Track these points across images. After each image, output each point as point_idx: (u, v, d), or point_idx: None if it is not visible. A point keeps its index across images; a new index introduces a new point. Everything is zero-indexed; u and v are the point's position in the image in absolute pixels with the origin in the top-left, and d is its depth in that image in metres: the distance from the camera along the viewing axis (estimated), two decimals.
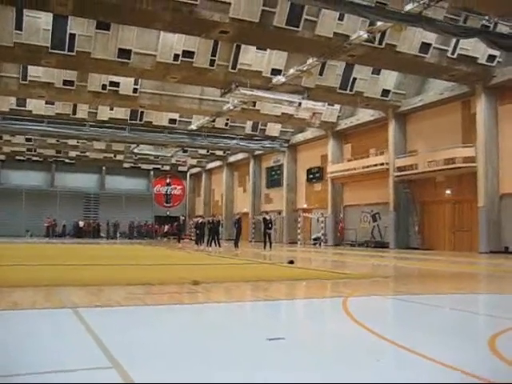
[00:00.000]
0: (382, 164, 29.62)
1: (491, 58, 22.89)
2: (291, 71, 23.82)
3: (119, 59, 22.04)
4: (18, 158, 48.08)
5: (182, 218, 27.30)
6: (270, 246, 23.94)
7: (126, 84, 27.34)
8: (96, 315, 5.65)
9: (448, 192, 26.81)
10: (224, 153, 47.64)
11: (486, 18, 18.90)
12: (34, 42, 20.71)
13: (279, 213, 40.47)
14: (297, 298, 8.22)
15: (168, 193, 58.00)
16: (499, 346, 4.20)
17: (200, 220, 28.04)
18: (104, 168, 54.06)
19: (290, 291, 9.04)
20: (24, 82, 25.50)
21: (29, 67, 24.97)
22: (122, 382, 3.14)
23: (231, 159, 48.68)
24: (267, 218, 25.38)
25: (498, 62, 23.11)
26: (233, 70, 23.75)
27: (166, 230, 51.98)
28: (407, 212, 28.92)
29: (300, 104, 25.88)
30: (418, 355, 3.92)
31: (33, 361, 3.66)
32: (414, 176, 27.81)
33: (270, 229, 25.58)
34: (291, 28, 19.32)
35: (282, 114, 31.64)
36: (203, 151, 46.49)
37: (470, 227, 25.33)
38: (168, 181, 58.00)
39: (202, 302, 7.15)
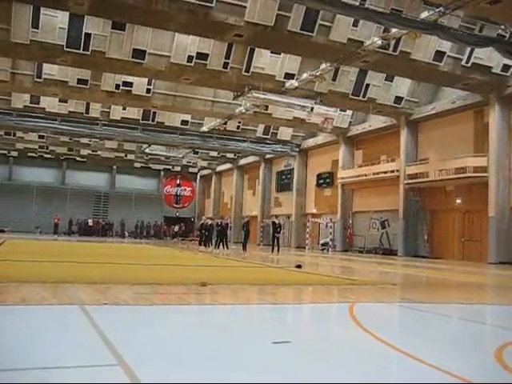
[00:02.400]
0: (393, 171, 29.52)
1: (506, 67, 22.77)
2: (304, 76, 23.83)
3: (133, 59, 22.18)
4: (30, 154, 48.40)
5: (208, 221, 26.92)
6: (278, 250, 23.97)
7: (140, 84, 27.49)
8: (103, 313, 5.68)
9: (458, 201, 26.67)
10: (235, 155, 47.70)
11: (502, 27, 18.84)
12: (49, 40, 20.90)
13: (288, 217, 40.44)
14: (303, 303, 8.21)
15: (178, 194, 58.12)
16: (506, 358, 4.18)
17: (209, 222, 28.07)
18: (115, 167, 54.28)
19: (297, 295, 9.03)
20: (38, 80, 25.71)
21: (43, 65, 25.16)
22: (127, 379, 3.15)
23: (242, 162, 48.71)
24: (276, 221, 25.51)
25: None
26: (246, 73, 23.80)
27: (176, 230, 52.07)
28: (416, 220, 28.79)
29: (312, 109, 25.88)
30: (424, 364, 3.90)
31: (39, 356, 3.68)
32: (424, 184, 27.70)
33: (279, 233, 25.69)
34: (305, 33, 19.34)
35: (294, 118, 31.66)
36: (214, 153, 46.58)
37: (479, 237, 25.17)
38: (178, 182, 58.14)
39: (208, 304, 7.16)
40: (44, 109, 32.15)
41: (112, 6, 17.66)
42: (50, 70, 25.45)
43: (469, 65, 22.27)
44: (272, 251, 24.20)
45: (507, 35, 19.31)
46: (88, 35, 21.33)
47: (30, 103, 31.56)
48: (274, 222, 25.52)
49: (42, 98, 31.10)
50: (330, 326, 6.20)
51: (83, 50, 21.39)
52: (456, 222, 26.95)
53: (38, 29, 20.51)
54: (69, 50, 21.26)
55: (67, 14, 20.31)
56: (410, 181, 28.14)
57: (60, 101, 31.55)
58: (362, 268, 17.48)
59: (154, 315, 5.95)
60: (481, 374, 3.76)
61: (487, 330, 6.27)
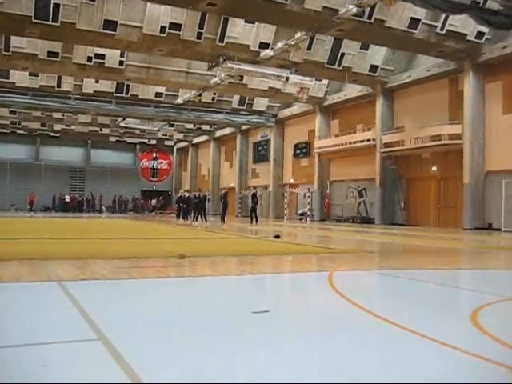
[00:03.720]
0: (369, 140, 29.66)
1: (480, 34, 22.82)
2: (279, 45, 23.59)
3: (105, 31, 21.70)
4: (1, 130, 47.40)
5: (185, 194, 26.77)
6: (256, 221, 24.07)
7: (112, 56, 26.95)
8: (82, 288, 5.65)
9: (434, 169, 26.98)
10: (211, 127, 47.41)
11: None
12: (16, 11, 20.24)
13: (266, 188, 40.54)
14: (282, 272, 8.27)
15: (155, 167, 57.77)
16: (481, 320, 4.27)
17: (186, 194, 27.98)
18: (89, 142, 53.58)
19: (276, 265, 9.09)
20: (7, 53, 25.02)
21: (12, 38, 24.47)
22: (107, 354, 3.15)
23: (218, 134, 48.46)
24: (257, 193, 25.71)
25: (487, 39, 23.04)
26: (220, 44, 23.48)
27: (153, 204, 51.87)
28: (393, 188, 29.10)
29: (288, 78, 25.74)
30: (403, 328, 3.97)
31: (18, 334, 3.65)
32: (400, 152, 27.92)
33: (257, 204, 25.82)
34: (280, 1, 19.07)
35: (270, 88, 31.47)
36: (190, 125, 46.26)
37: (455, 204, 25.57)
38: (154, 155, 57.72)
39: (187, 276, 7.17)
40: (14, 83, 31.38)
41: None
42: (19, 42, 24.78)
43: (443, 32, 22.27)
44: (251, 222, 24.29)
45: (481, 2, 19.30)
46: (57, 6, 20.68)
47: None
48: (254, 194, 25.59)
49: (11, 72, 30.33)
50: (308, 295, 6.26)
51: (52, 22, 20.78)
52: (432, 189, 27.31)
53: None
54: (37, 21, 20.63)
55: None
56: (386, 149, 28.33)
57: (30, 74, 30.81)
58: (340, 237, 17.66)
59: (133, 289, 5.94)
60: (457, 337, 3.84)
61: (463, 293, 6.40)
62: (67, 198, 49.14)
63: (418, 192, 28.25)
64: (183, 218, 27.54)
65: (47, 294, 5.39)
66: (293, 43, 23.18)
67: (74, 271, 6.91)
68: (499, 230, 22.49)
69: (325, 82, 32.65)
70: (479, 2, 19.34)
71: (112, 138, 52.69)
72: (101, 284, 6.05)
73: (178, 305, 5.03)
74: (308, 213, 34.81)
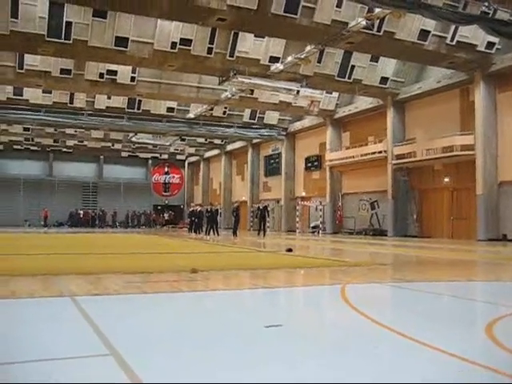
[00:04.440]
0: (381, 152, 29.58)
1: (490, 45, 22.77)
2: (289, 59, 23.69)
3: (116, 47, 21.93)
4: (15, 147, 47.89)
5: (197, 208, 27.17)
6: (264, 234, 24.42)
7: (124, 72, 27.22)
8: (94, 303, 5.66)
9: (446, 180, 26.81)
10: (222, 141, 47.55)
11: (486, 4, 18.76)
12: (30, 30, 20.56)
13: (278, 201, 40.49)
14: (295, 286, 8.24)
15: (166, 181, 57.95)
16: (496, 333, 4.22)
17: (198, 208, 28.04)
18: (102, 157, 53.90)
19: (288, 279, 9.06)
20: (21, 71, 25.37)
21: (25, 56, 24.83)
22: (119, 369, 3.14)
23: (229, 148, 48.58)
24: (261, 207, 26.83)
25: (497, 49, 22.99)
26: (231, 58, 23.63)
27: (165, 218, 51.94)
28: (405, 200, 28.94)
29: (298, 92, 25.82)
30: (416, 342, 3.92)
31: (30, 349, 3.66)
32: (412, 164, 27.79)
33: (267, 217, 26.92)
34: (289, 15, 19.18)
35: (280, 102, 31.56)
36: (201, 140, 46.41)
37: (468, 215, 25.36)
38: (166, 169, 57.92)
39: (200, 290, 7.15)
40: (28, 100, 31.76)
41: None
42: (33, 60, 25.13)
43: (453, 43, 22.25)
44: (258, 235, 24.70)
45: (491, 12, 19.26)
46: (69, 24, 21.00)
47: (13, 95, 31.16)
48: (259, 207, 26.51)
49: (25, 89, 30.74)
50: (321, 309, 6.22)
51: (65, 39, 21.09)
52: (444, 200, 27.12)
53: (17, 19, 20.17)
54: (50, 39, 20.95)
55: (47, 2, 20.01)
56: (398, 161, 28.22)
57: (44, 92, 31.16)
58: (353, 249, 17.57)
59: (145, 304, 5.94)
60: (471, 350, 3.79)
61: (477, 306, 6.32)
62: (81, 214, 49.44)
63: (430, 203, 28.07)
64: (195, 232, 27.58)
65: (60, 309, 5.40)
66: (303, 57, 23.28)
67: (86, 286, 6.92)
68: None
69: (335, 94, 32.70)
70: (489, 13, 19.30)
71: (124, 154, 53.00)
72: (113, 299, 6.06)
73: (190, 319, 5.01)
74: (320, 226, 34.71)
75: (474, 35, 22.19)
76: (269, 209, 28.90)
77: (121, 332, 4.24)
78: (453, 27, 21.60)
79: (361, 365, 3.41)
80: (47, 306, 5.57)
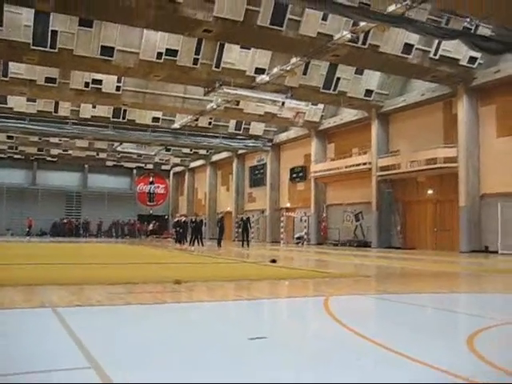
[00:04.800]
0: (365, 164, 29.79)
1: (472, 59, 23.15)
2: (275, 70, 23.82)
3: (102, 57, 21.88)
4: None
5: (182, 218, 27.32)
6: (248, 245, 24.65)
7: (109, 82, 27.16)
8: (76, 315, 5.60)
9: (430, 192, 27.06)
10: (207, 152, 47.58)
11: (468, 20, 19.10)
12: (15, 38, 20.45)
13: (262, 212, 40.51)
14: (279, 298, 8.23)
15: (151, 191, 57.76)
16: (477, 345, 4.25)
17: (183, 219, 27.95)
18: (86, 166, 53.63)
19: (272, 290, 9.05)
20: (5, 79, 25.18)
21: (10, 64, 24.66)
22: (100, 382, 3.11)
23: (214, 158, 48.60)
24: (244, 218, 27.24)
25: (479, 63, 23.36)
26: (216, 69, 23.70)
27: (150, 228, 51.68)
28: (389, 211, 29.12)
29: (283, 103, 25.95)
30: (398, 354, 3.94)
31: (11, 361, 3.61)
32: (396, 176, 28.03)
33: (251, 228, 27.50)
34: (275, 27, 19.32)
35: (266, 113, 31.68)
36: (186, 150, 46.41)
37: (451, 227, 25.59)
38: (151, 179, 57.75)
39: (184, 302, 7.12)
40: (12, 108, 31.54)
41: (78, 1, 17.35)
42: (17, 68, 24.97)
43: (437, 57, 22.56)
44: (242, 246, 24.84)
45: (473, 28, 19.60)
46: (55, 32, 20.93)
47: None
48: (242, 218, 26.97)
49: (9, 97, 30.52)
50: (305, 321, 6.22)
51: (50, 48, 21.01)
52: (428, 212, 27.35)
53: (1, 26, 20.06)
54: (35, 47, 20.86)
55: (32, 10, 19.91)
56: (382, 173, 28.44)
57: (28, 100, 30.99)
58: (337, 261, 17.61)
59: (128, 315, 5.90)
60: (454, 362, 3.82)
61: (460, 318, 6.37)
62: (65, 223, 49.02)
63: (414, 215, 28.28)
64: (180, 242, 27.48)
65: (41, 321, 5.34)
66: (288, 68, 23.42)
67: (68, 297, 6.85)
68: (496, 252, 22.47)
69: (320, 106, 32.93)
70: (471, 28, 19.64)
71: (109, 163, 52.78)
72: (96, 310, 6.00)
73: (174, 331, 4.98)
74: (305, 237, 34.77)
75: (457, 50, 22.53)
76: (252, 220, 29.18)
77: (103, 344, 4.20)
78: (436, 41, 21.93)
79: (344, 376, 3.42)
80: (28, 318, 5.51)
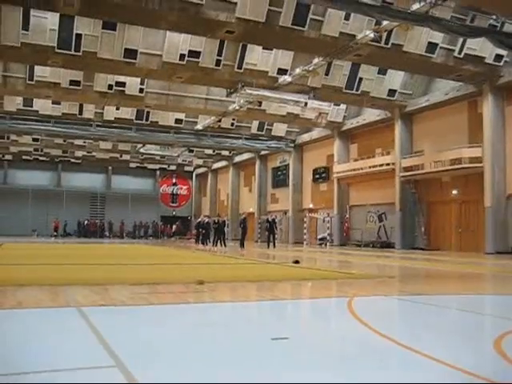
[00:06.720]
0: (388, 164, 29.54)
1: (498, 57, 22.76)
2: (297, 71, 23.78)
3: (125, 59, 22.09)
4: (24, 157, 48.23)
5: (205, 219, 27.31)
6: (274, 246, 24.49)
7: (132, 84, 27.40)
8: (100, 314, 5.65)
9: (454, 192, 26.70)
10: (230, 153, 47.65)
11: (494, 17, 18.81)
12: (40, 42, 20.79)
13: (285, 213, 40.42)
14: (302, 298, 8.20)
15: (174, 193, 58.10)
16: (504, 347, 4.17)
17: (206, 220, 28.04)
18: (110, 168, 54.19)
19: (295, 291, 9.02)
20: (30, 82, 25.59)
21: (35, 67, 25.06)
22: (124, 381, 3.13)
23: (237, 159, 48.68)
24: (269, 219, 26.76)
25: (506, 61, 22.97)
26: (239, 70, 23.75)
27: (173, 229, 51.95)
28: (413, 212, 28.82)
29: (306, 104, 25.90)
30: (423, 356, 3.89)
31: (36, 359, 3.66)
32: (420, 176, 27.72)
33: (275, 229, 26.84)
34: (297, 28, 19.30)
35: (288, 113, 31.64)
36: (209, 151, 46.53)
37: (476, 227, 25.22)
38: (174, 181, 58.11)
39: (206, 302, 7.13)
40: (37, 111, 32.04)
41: (102, 5, 17.57)
42: (42, 71, 25.35)
43: (461, 56, 22.26)
44: (268, 247, 24.67)
45: (499, 25, 19.30)
46: (79, 36, 21.22)
47: (23, 106, 31.47)
48: (267, 220, 26.50)
49: (34, 100, 31.03)
50: (328, 321, 6.19)
51: (74, 51, 21.29)
52: (452, 213, 26.99)
53: (28, 31, 20.41)
54: (60, 51, 21.16)
55: (57, 15, 20.21)
56: (406, 173, 28.16)
57: (53, 103, 31.43)
58: (360, 262, 17.49)
59: (151, 315, 5.93)
60: (479, 363, 3.75)
61: (486, 320, 6.27)
62: (88, 224, 49.60)
63: (438, 216, 27.94)
64: (202, 243, 27.56)
65: (66, 320, 5.40)
66: (311, 69, 23.36)
67: (93, 297, 6.92)
68: None
69: (343, 106, 32.75)
70: (497, 26, 19.33)
71: (132, 164, 53.24)
72: (119, 310, 6.05)
73: (196, 331, 4.99)
74: (328, 238, 34.62)
75: (482, 48, 22.19)
76: (276, 221, 28.89)
77: (126, 343, 4.23)
78: (461, 40, 21.64)
79: (368, 377, 3.38)
80: (53, 317, 5.57)
